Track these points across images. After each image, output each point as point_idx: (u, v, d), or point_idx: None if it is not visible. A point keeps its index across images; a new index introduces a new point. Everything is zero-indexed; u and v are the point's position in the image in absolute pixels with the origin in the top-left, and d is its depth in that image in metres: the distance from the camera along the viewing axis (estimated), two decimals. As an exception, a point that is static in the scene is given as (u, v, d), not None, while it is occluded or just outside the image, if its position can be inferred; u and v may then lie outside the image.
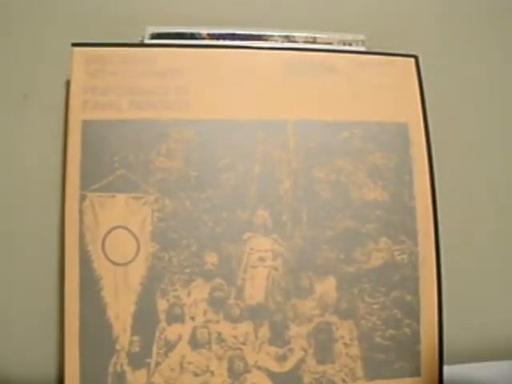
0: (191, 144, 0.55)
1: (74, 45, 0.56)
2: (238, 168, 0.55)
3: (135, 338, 0.51)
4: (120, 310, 0.52)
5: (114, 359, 0.50)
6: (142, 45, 0.58)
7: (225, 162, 0.55)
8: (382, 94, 0.59)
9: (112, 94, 0.55)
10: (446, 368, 0.55)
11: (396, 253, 0.56)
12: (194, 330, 0.52)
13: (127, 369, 0.50)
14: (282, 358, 0.53)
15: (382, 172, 0.57)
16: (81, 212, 0.52)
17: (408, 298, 0.56)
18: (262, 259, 0.54)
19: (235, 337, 0.53)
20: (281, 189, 0.55)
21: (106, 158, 0.54)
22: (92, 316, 0.51)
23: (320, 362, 0.53)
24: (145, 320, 0.52)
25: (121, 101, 0.55)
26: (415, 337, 0.55)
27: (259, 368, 0.52)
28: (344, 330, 0.54)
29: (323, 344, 0.53)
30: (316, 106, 0.58)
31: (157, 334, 0.52)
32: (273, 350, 0.53)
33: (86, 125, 0.54)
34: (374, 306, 0.55)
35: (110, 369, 0.50)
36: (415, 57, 0.62)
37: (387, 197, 0.57)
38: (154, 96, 0.55)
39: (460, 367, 0.62)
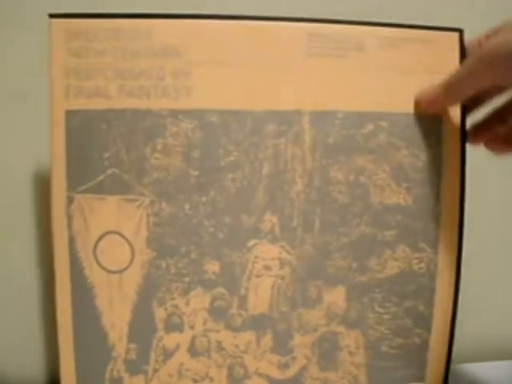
0: (191, 138, 0.42)
1: (52, 16, 0.40)
2: (245, 167, 0.43)
3: (132, 345, 0.44)
4: (115, 319, 0.43)
5: (110, 366, 0.44)
6: (135, 15, 0.42)
7: (229, 159, 0.43)
8: (415, 79, 0.44)
9: (99, 77, 0.41)
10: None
11: (414, 261, 0.45)
12: (193, 338, 0.44)
13: (124, 375, 0.44)
14: (285, 366, 0.46)
15: (408, 172, 0.45)
16: (68, 215, 0.42)
17: (421, 308, 0.46)
18: (267, 268, 0.44)
19: (236, 346, 0.44)
20: (292, 191, 0.44)
21: (94, 155, 0.42)
22: (86, 325, 0.43)
23: (323, 369, 0.46)
24: (142, 328, 0.43)
25: (109, 86, 0.41)
26: (424, 345, 0.47)
27: (260, 375, 0.45)
28: (350, 339, 0.46)
29: (327, 352, 0.46)
30: (338, 94, 0.43)
31: (154, 342, 0.44)
32: (275, 358, 0.45)
33: (70, 116, 0.41)
34: (385, 316, 0.45)
35: (107, 375, 0.44)
36: (460, 31, 0.44)
37: (411, 201, 0.44)
38: (148, 80, 0.42)
39: (463, 367, 0.55)
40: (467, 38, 0.42)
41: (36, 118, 0.45)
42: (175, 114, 0.40)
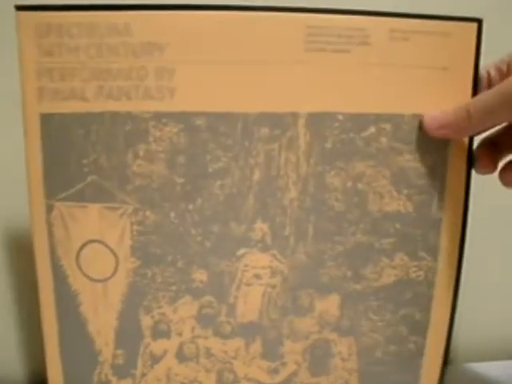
0: (176, 144, 0.39)
1: (19, 8, 0.36)
2: (234, 173, 0.40)
3: (119, 351, 0.43)
4: (101, 326, 0.42)
5: (97, 370, 0.43)
6: (111, 6, 0.37)
7: (218, 165, 0.40)
8: (426, 77, 0.40)
9: (74, 78, 0.38)
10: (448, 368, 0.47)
11: (412, 269, 0.43)
12: (181, 345, 0.43)
13: (112, 378, 0.43)
14: (274, 371, 0.44)
15: (410, 178, 0.41)
16: (49, 223, 0.40)
17: (417, 315, 0.44)
18: (257, 277, 0.42)
19: (225, 352, 0.43)
20: (285, 198, 0.41)
21: (72, 162, 0.39)
22: (72, 331, 0.42)
23: (314, 374, 0.45)
24: (128, 335, 0.42)
25: (85, 88, 0.38)
26: (419, 352, 0.45)
27: (249, 380, 0.44)
28: (343, 346, 0.44)
29: (319, 359, 0.44)
30: (339, 93, 0.39)
31: (141, 348, 0.43)
32: (265, 363, 0.44)
33: (46, 119, 0.38)
34: (379, 324, 0.44)
35: (95, 378, 0.43)
36: (478, 21, 0.40)
37: (411, 208, 0.42)
38: (127, 80, 0.38)
39: (463, 367, 0.54)
40: (486, 29, 0.37)
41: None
42: (158, 116, 0.36)
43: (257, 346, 0.42)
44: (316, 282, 0.41)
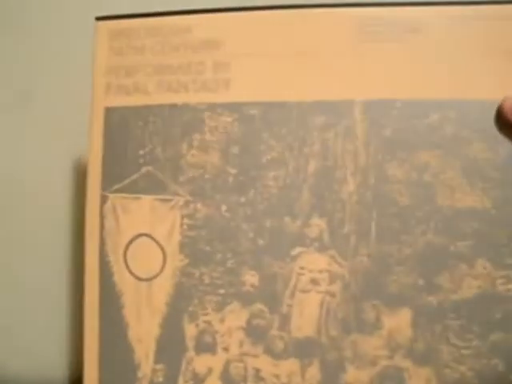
0: (230, 133, 0.38)
1: (98, 19, 0.41)
2: (289, 164, 0.38)
3: (159, 366, 0.38)
4: (142, 333, 0.39)
5: None
6: (173, 12, 0.40)
7: (272, 156, 0.38)
8: (489, 61, 0.37)
9: (138, 74, 0.40)
10: None
11: (499, 281, 0.36)
12: (228, 363, 0.38)
13: None
14: None
15: (484, 170, 0.37)
16: (101, 216, 0.39)
17: (515, 343, 0.33)
18: (314, 282, 0.37)
19: (277, 376, 0.37)
20: (343, 191, 0.37)
21: (129, 153, 0.39)
22: (112, 336, 0.39)
23: None
24: (170, 346, 0.38)
25: (148, 82, 0.40)
26: None
27: None
28: (419, 380, 0.36)
29: None
30: (395, 80, 0.37)
31: (183, 363, 0.38)
32: None
33: (109, 113, 0.40)
34: (464, 352, 0.36)
35: None
36: None
37: (489, 204, 0.36)
38: (186, 75, 0.39)
39: None
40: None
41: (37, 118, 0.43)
42: (213, 107, 0.37)
43: (314, 371, 0.36)
44: (382, 292, 0.35)
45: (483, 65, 0.36)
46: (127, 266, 0.37)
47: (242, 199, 0.37)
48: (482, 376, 0.34)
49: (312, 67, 0.37)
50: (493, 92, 0.35)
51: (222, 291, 0.36)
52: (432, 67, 0.36)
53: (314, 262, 0.36)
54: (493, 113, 0.36)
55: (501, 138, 0.36)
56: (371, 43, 0.37)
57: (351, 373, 0.35)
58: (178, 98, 0.38)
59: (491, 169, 0.35)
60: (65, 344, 0.47)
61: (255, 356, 0.36)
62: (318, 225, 0.36)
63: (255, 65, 0.38)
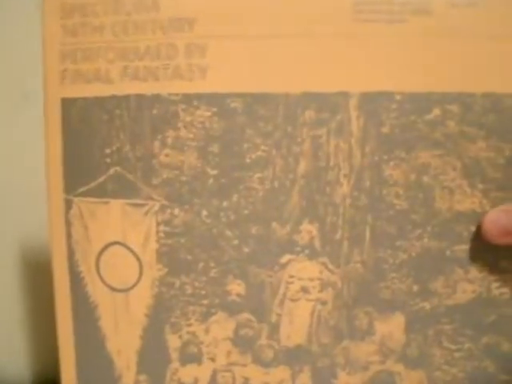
0: (209, 130, 0.34)
1: None
2: (276, 164, 0.34)
3: (142, 377, 0.36)
4: (122, 344, 0.36)
5: None
6: None
7: (257, 155, 0.34)
8: (498, 48, 0.33)
9: (98, 58, 0.34)
10: None
11: (494, 285, 0.35)
12: (215, 373, 0.36)
13: None
14: None
15: (486, 170, 0.34)
16: (67, 223, 0.35)
17: (506, 346, 0.35)
18: (305, 290, 0.35)
19: (267, 384, 0.32)
20: (336, 194, 0.34)
21: (94, 151, 0.34)
22: (89, 349, 0.36)
23: None
24: (153, 357, 0.36)
25: (110, 69, 0.34)
26: None
27: None
28: (411, 383, 0.35)
29: None
30: (395, 70, 0.33)
31: (168, 374, 0.36)
32: None
33: (67, 105, 0.34)
34: (456, 354, 0.35)
35: None
36: None
37: (488, 207, 0.34)
38: (155, 60, 0.34)
39: None
40: None
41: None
42: (189, 99, 0.31)
43: (305, 378, 0.34)
44: (376, 299, 0.33)
45: (493, 52, 0.32)
46: (100, 277, 0.34)
47: (225, 203, 0.33)
48: (473, 377, 0.34)
49: (300, 52, 0.32)
50: (499, 83, 0.31)
51: (205, 301, 0.34)
52: (436, 54, 0.32)
53: (304, 270, 0.34)
54: (499, 107, 0.33)
55: (505, 135, 0.33)
56: (368, 24, 0.32)
57: (343, 378, 0.34)
58: (147, 88, 0.32)
59: (493, 169, 0.32)
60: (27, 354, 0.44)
61: (243, 365, 0.34)
62: (308, 231, 0.33)
63: (236, 49, 0.32)
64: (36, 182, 0.42)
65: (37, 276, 0.38)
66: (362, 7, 0.32)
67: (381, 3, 0.32)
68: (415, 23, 0.32)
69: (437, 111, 0.33)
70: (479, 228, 0.33)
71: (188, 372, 0.35)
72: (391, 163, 0.33)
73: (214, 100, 0.33)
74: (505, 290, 0.34)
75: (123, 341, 0.35)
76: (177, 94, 0.33)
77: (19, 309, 0.46)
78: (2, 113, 0.44)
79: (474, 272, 0.34)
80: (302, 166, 0.33)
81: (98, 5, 0.32)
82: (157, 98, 0.33)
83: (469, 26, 0.32)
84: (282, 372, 0.35)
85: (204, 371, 0.35)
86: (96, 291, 0.35)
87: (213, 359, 0.35)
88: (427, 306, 0.34)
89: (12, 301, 0.47)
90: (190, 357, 0.35)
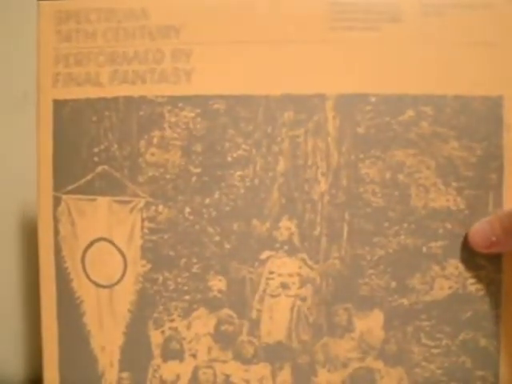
0: (192, 130, 0.35)
1: None
2: (256, 163, 0.35)
3: (125, 374, 0.36)
4: (106, 341, 0.36)
5: None
6: None
7: (238, 154, 0.35)
8: (465, 53, 0.35)
9: (89, 62, 0.36)
10: None
11: (470, 281, 0.35)
12: (196, 370, 0.36)
13: None
14: None
15: (459, 169, 0.35)
16: (55, 219, 0.36)
17: (483, 342, 0.35)
18: (284, 286, 0.35)
19: (247, 381, 0.36)
20: (314, 192, 0.35)
21: (83, 150, 0.36)
22: (73, 345, 0.36)
23: None
24: (136, 354, 0.36)
25: (100, 72, 0.35)
26: None
27: None
28: (391, 380, 0.35)
29: None
30: (369, 73, 0.35)
31: (150, 371, 0.36)
32: None
33: (58, 106, 0.36)
34: (434, 351, 0.35)
35: None
36: None
37: (463, 204, 0.35)
38: (143, 64, 0.35)
39: None
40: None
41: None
42: (174, 101, 0.33)
43: (285, 375, 0.34)
44: (354, 295, 0.34)
45: (459, 57, 0.33)
46: (86, 273, 0.34)
47: (207, 201, 0.34)
48: (451, 373, 0.34)
49: (280, 57, 0.34)
50: (472, 87, 0.33)
51: (187, 297, 0.34)
52: (408, 59, 0.34)
53: (283, 266, 0.34)
54: (470, 108, 0.34)
55: (476, 135, 0.34)
56: (343, 31, 0.34)
57: (323, 376, 0.34)
58: (135, 90, 0.34)
59: (465, 168, 0.33)
60: (20, 348, 0.44)
61: (224, 362, 0.34)
62: (287, 227, 0.34)
63: (219, 54, 0.34)
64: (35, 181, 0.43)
65: (36, 275, 0.38)
66: (338, 16, 0.34)
67: (357, 12, 0.34)
68: (388, 30, 0.34)
69: (410, 112, 0.34)
70: (455, 226, 0.35)
71: (170, 369, 0.35)
72: (367, 162, 0.34)
73: (197, 102, 0.34)
74: (480, 286, 0.34)
75: (107, 337, 0.35)
76: (163, 96, 0.34)
77: (17, 307, 0.46)
78: (1, 113, 0.45)
79: (450, 268, 0.34)
80: (282, 165, 0.34)
81: (92, 13, 0.34)
82: (144, 100, 0.34)
83: (438, 33, 0.34)
84: (262, 369, 0.35)
85: (185, 368, 0.35)
86: (81, 287, 0.35)
87: (194, 355, 0.35)
88: (405, 302, 0.34)
89: (10, 299, 0.47)
90: (172, 353, 0.35)
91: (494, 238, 0.31)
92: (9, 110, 0.43)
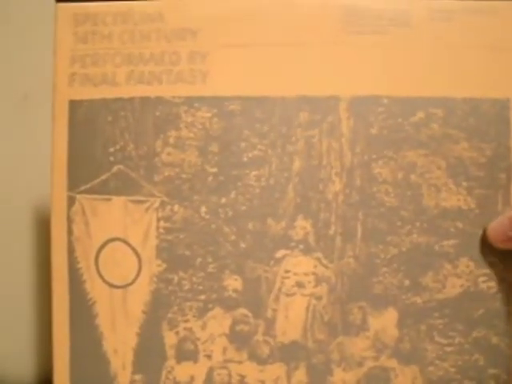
0: (209, 130, 0.35)
1: (59, 0, 0.36)
2: (272, 162, 0.35)
3: (138, 376, 0.35)
4: (118, 343, 0.35)
5: None
6: None
7: (253, 154, 0.35)
8: (473, 57, 0.36)
9: (106, 63, 0.36)
10: None
11: (481, 279, 0.35)
12: (211, 371, 0.35)
13: None
14: None
15: (469, 169, 0.35)
16: (69, 219, 0.35)
17: (495, 340, 0.35)
18: (300, 285, 0.35)
19: (262, 382, 0.35)
20: (329, 191, 0.35)
21: (98, 150, 0.35)
22: (85, 347, 0.35)
23: None
24: (149, 356, 0.35)
25: (117, 72, 0.35)
26: None
27: None
28: (405, 379, 0.35)
29: None
30: (381, 76, 0.36)
31: (164, 373, 0.35)
32: None
33: (74, 106, 0.35)
34: (448, 349, 0.35)
35: None
36: None
37: (473, 204, 0.35)
38: (159, 65, 0.35)
39: None
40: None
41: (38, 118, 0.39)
42: (190, 101, 0.33)
43: (301, 375, 0.34)
44: (369, 293, 0.34)
45: (466, 60, 0.34)
46: (99, 273, 0.34)
47: (223, 200, 0.34)
48: (464, 371, 0.34)
49: (295, 60, 0.34)
50: (478, 88, 0.33)
51: (202, 297, 0.34)
52: (419, 62, 0.34)
53: (299, 265, 0.34)
54: (479, 110, 0.35)
55: (485, 136, 0.35)
56: (357, 35, 0.34)
57: (338, 375, 0.34)
58: (151, 91, 0.34)
59: (476, 168, 0.34)
60: (32, 350, 0.43)
61: (239, 362, 0.34)
62: (302, 226, 0.34)
63: (234, 56, 0.34)
64: (36, 181, 0.43)
65: (43, 275, 0.38)
66: (351, 19, 0.35)
67: (370, 17, 0.35)
68: (399, 35, 0.35)
69: (421, 114, 0.34)
70: (466, 225, 0.35)
71: (184, 370, 0.35)
72: (380, 162, 0.34)
73: (213, 102, 0.34)
74: (491, 284, 0.35)
75: (120, 339, 0.35)
76: (179, 97, 0.34)
77: (23, 308, 0.45)
78: (1, 113, 0.45)
79: (462, 267, 0.35)
80: (297, 165, 0.35)
81: (109, 15, 0.34)
82: (160, 101, 0.34)
83: (447, 37, 0.35)
84: (277, 369, 0.34)
85: (200, 369, 0.35)
86: (94, 288, 0.35)
87: (209, 356, 0.34)
88: (419, 300, 0.34)
89: (15, 300, 0.46)
90: (186, 354, 0.35)
91: (510, 233, 0.32)
92: (9, 110, 0.43)
